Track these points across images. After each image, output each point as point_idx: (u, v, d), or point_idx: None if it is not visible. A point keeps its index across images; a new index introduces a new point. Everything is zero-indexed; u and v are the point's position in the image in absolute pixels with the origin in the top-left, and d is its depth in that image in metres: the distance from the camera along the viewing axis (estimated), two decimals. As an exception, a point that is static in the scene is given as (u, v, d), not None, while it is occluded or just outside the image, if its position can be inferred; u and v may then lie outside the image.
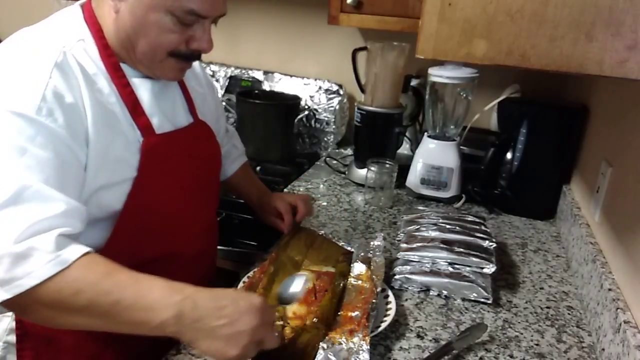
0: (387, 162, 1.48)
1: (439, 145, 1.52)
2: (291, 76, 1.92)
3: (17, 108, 0.75)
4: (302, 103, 1.87)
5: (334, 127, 1.88)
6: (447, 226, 1.19)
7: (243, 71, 1.98)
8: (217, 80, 1.98)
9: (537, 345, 0.96)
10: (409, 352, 0.91)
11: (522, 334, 0.99)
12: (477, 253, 1.10)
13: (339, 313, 0.91)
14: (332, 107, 1.87)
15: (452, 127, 1.53)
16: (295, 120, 1.84)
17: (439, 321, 1.00)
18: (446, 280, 1.07)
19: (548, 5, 0.65)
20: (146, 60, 0.88)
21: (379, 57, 1.52)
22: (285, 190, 1.57)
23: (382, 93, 1.55)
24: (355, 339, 0.84)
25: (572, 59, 0.66)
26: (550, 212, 1.51)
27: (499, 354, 0.93)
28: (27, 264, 0.69)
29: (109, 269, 0.73)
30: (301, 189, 1.57)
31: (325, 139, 1.91)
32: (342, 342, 0.84)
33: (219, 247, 1.19)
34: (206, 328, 0.71)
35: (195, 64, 1.04)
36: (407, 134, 1.70)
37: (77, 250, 0.73)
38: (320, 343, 0.83)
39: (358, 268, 1.03)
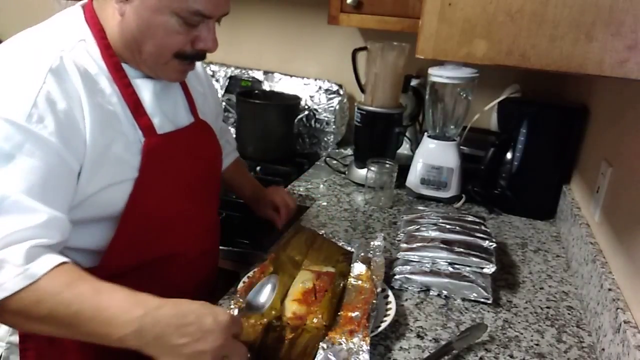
0: (387, 162, 1.48)
1: (439, 145, 1.52)
2: (291, 76, 1.92)
3: (7, 114, 0.74)
4: (302, 103, 1.87)
5: (334, 127, 1.88)
6: (447, 226, 1.19)
7: (243, 71, 1.98)
8: (217, 80, 1.98)
9: (537, 345, 0.96)
10: (409, 352, 0.91)
11: (522, 334, 0.99)
12: (477, 253, 1.10)
13: (339, 313, 0.91)
14: (332, 107, 1.87)
15: (452, 127, 1.53)
16: (295, 120, 1.84)
17: (439, 321, 1.00)
18: (446, 280, 1.07)
19: (548, 5, 0.65)
20: (151, 62, 0.88)
21: (379, 57, 1.52)
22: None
23: (382, 93, 1.55)
24: (355, 339, 0.84)
25: (572, 59, 0.66)
26: (550, 212, 1.51)
27: (499, 354, 0.93)
28: None
29: (72, 280, 0.73)
30: (301, 189, 1.57)
31: (325, 139, 1.91)
32: (342, 342, 0.84)
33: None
34: (167, 345, 0.69)
35: (197, 62, 1.04)
36: (407, 134, 1.70)
37: (47, 262, 0.72)
38: (320, 343, 0.83)
39: (358, 268, 1.03)
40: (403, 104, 1.62)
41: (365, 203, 1.50)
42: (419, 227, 1.21)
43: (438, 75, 1.46)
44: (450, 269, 1.09)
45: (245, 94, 1.84)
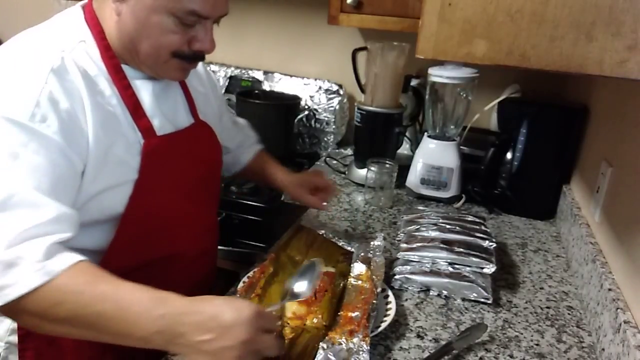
0: (387, 162, 1.48)
1: (439, 145, 1.52)
2: (291, 76, 1.92)
3: (10, 114, 0.74)
4: (302, 103, 1.87)
5: (334, 127, 1.88)
6: (447, 226, 1.19)
7: (243, 71, 1.98)
8: (217, 80, 1.98)
9: (537, 345, 0.96)
10: (409, 352, 0.91)
11: (522, 334, 0.99)
12: (477, 253, 1.10)
13: (339, 313, 0.91)
14: (332, 107, 1.87)
15: (452, 127, 1.53)
16: (295, 120, 1.84)
17: (439, 321, 1.00)
18: (446, 280, 1.07)
19: (548, 5, 0.65)
20: (150, 62, 0.88)
21: (379, 57, 1.52)
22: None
23: (382, 93, 1.55)
24: (355, 340, 0.84)
25: (572, 59, 0.66)
26: (550, 212, 1.51)
27: (499, 354, 0.93)
28: (13, 273, 0.69)
29: (92, 279, 0.72)
30: (301, 189, 1.57)
31: (325, 139, 1.91)
32: (342, 343, 0.84)
33: (219, 247, 1.19)
34: (190, 344, 0.69)
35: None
36: (407, 134, 1.70)
37: (65, 260, 0.72)
38: (320, 343, 0.83)
39: (358, 268, 1.03)
40: (403, 104, 1.62)
41: (365, 203, 1.50)
42: (419, 227, 1.21)
43: (438, 75, 1.46)
44: (450, 269, 1.09)
45: (245, 94, 1.84)
